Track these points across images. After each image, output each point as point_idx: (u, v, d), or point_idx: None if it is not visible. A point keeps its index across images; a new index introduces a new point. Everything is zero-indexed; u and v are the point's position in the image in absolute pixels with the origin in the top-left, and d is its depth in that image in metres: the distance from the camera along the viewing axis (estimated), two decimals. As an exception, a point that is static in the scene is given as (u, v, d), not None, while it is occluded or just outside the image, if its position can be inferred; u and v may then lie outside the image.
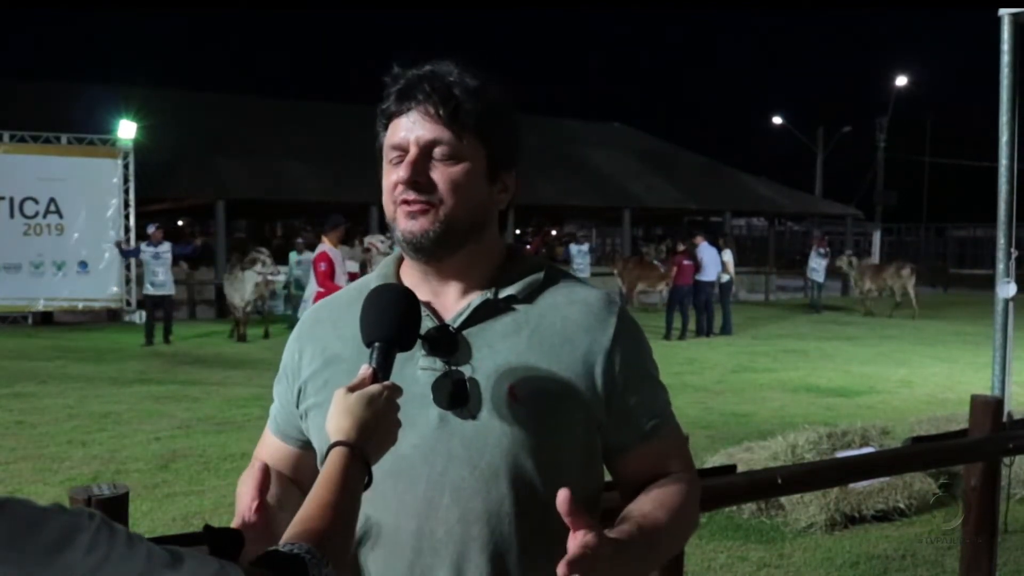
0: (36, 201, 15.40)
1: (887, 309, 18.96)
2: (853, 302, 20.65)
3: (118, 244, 14.80)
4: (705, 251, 14.44)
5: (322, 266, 8.28)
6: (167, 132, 18.58)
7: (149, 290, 12.94)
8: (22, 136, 15.45)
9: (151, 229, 13.30)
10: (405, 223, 1.20)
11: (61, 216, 15.54)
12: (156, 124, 17.46)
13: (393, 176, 1.20)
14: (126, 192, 16.15)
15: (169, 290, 13.09)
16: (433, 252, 1.21)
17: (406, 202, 1.19)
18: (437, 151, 1.19)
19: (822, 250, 19.92)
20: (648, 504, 1.21)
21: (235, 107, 25.01)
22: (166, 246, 12.97)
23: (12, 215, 15.24)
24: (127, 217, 15.95)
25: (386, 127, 1.24)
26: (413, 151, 1.19)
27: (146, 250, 12.86)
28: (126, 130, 16.08)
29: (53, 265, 15.49)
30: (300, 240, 18.33)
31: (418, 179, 1.18)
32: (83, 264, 15.55)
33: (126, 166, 16.17)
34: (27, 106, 18.39)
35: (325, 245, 8.48)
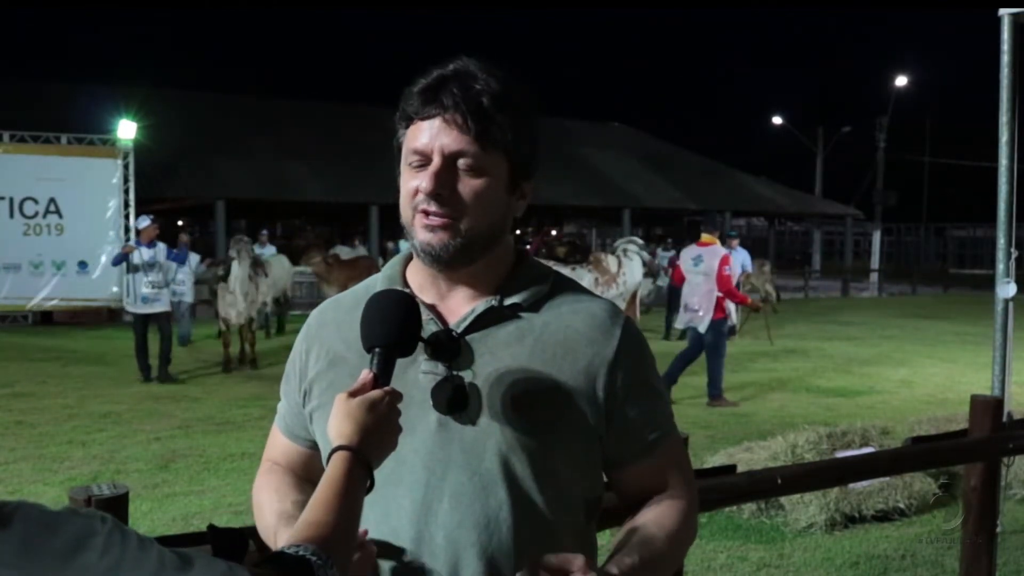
0: (36, 201, 15.38)
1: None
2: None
3: (126, 250, 9.77)
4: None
5: (726, 269, 8.04)
6: (167, 132, 18.58)
7: (137, 306, 9.57)
8: (22, 136, 15.44)
9: (144, 223, 9.78)
10: (424, 235, 1.18)
11: (61, 216, 15.52)
12: (156, 124, 17.44)
13: (414, 183, 1.17)
14: (126, 192, 16.12)
15: (163, 306, 9.61)
16: (450, 263, 1.19)
17: (426, 213, 1.17)
18: (461, 162, 1.16)
19: (661, 250, 20.41)
20: (650, 528, 1.21)
21: (235, 107, 25.00)
22: (161, 248, 9.61)
23: (12, 215, 15.22)
24: (127, 217, 15.93)
25: (407, 127, 1.20)
26: (437, 161, 1.16)
27: (141, 252, 9.47)
28: (126, 130, 16.05)
29: (53, 265, 15.46)
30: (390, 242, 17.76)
31: (441, 191, 1.15)
32: (83, 264, 15.53)
33: (126, 166, 16.14)
34: (27, 106, 18.37)
35: (719, 246, 8.25)
